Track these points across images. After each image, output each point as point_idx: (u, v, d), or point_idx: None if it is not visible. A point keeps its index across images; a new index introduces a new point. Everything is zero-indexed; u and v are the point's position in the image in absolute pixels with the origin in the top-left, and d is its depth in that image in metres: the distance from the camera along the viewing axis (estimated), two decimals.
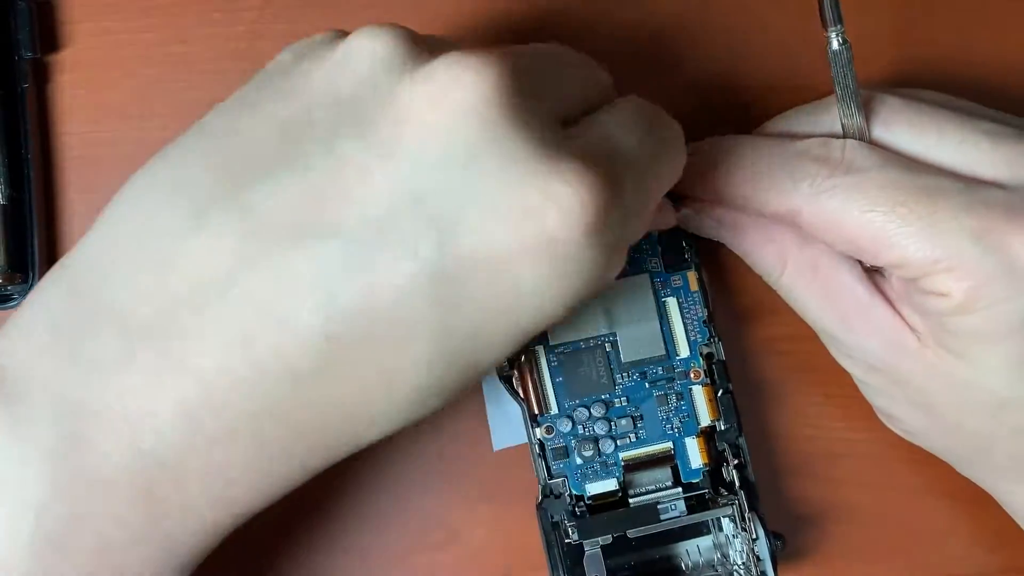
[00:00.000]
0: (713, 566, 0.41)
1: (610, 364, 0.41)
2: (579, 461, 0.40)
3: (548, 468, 0.40)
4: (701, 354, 0.41)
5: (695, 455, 0.41)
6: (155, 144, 0.44)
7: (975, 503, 0.43)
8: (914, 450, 0.43)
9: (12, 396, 0.31)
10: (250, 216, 0.30)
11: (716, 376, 0.41)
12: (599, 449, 0.40)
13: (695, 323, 0.41)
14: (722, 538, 0.41)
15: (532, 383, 0.41)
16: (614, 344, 0.41)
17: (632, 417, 0.41)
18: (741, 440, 0.41)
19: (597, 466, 0.40)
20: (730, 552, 0.40)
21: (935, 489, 0.44)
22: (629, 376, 0.41)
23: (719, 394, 0.41)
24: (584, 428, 0.41)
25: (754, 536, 0.39)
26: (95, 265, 0.32)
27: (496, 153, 0.29)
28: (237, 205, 0.30)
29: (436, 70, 0.30)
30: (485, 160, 0.29)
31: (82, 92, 0.45)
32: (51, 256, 0.44)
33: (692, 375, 0.41)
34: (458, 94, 0.29)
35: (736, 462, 0.40)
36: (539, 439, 0.40)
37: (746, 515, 0.39)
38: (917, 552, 0.44)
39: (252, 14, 0.45)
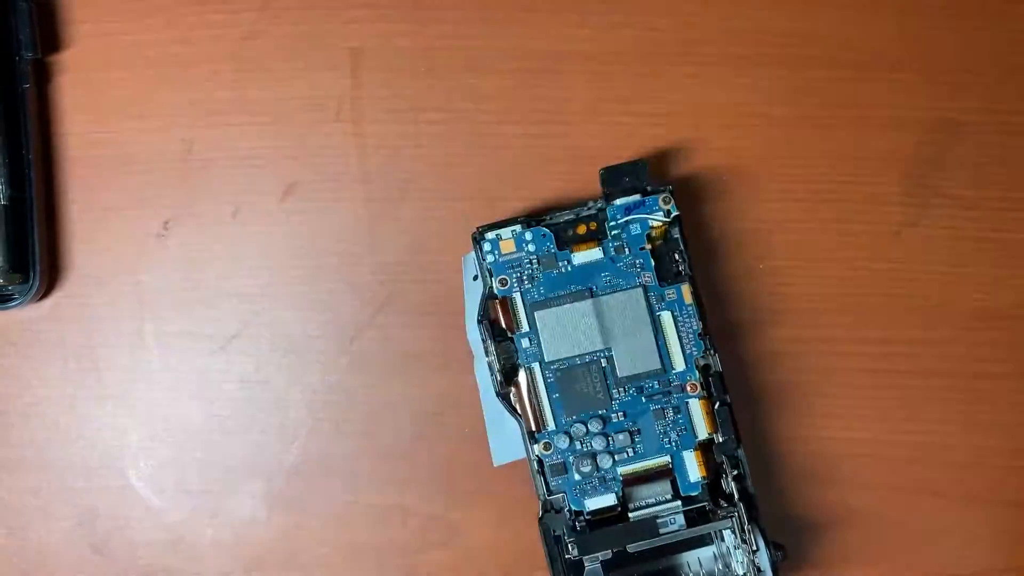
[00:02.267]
0: None
1: (606, 379, 0.41)
2: (577, 477, 0.40)
3: (547, 484, 0.40)
4: (697, 367, 0.41)
5: (693, 468, 0.40)
6: (154, 144, 0.45)
7: (974, 503, 0.43)
8: (914, 450, 0.43)
9: None
10: None
11: (713, 388, 0.41)
12: (597, 464, 0.40)
13: (690, 336, 0.41)
14: (724, 548, 0.41)
15: (529, 400, 0.41)
16: (610, 360, 0.41)
17: (629, 432, 0.40)
18: (739, 452, 0.40)
19: (596, 481, 0.40)
20: (732, 563, 0.40)
21: (935, 489, 0.44)
22: (625, 391, 0.41)
23: (716, 406, 0.41)
24: (582, 444, 0.40)
25: (754, 548, 0.39)
26: None
27: None
28: None
29: None
30: None
31: (83, 92, 0.45)
32: (52, 256, 0.45)
33: (688, 388, 0.41)
34: None
35: (735, 474, 0.40)
36: (537, 456, 0.40)
37: (746, 527, 0.39)
38: (917, 552, 0.44)
39: (252, 15, 0.45)
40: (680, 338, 0.41)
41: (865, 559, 0.44)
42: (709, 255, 0.44)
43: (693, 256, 0.42)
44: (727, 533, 0.40)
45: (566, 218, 0.42)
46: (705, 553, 0.41)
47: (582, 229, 0.41)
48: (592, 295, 0.41)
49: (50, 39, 0.44)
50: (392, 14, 0.44)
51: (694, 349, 0.41)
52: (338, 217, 0.45)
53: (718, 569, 0.41)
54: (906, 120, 0.45)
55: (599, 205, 0.42)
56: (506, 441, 0.42)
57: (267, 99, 0.45)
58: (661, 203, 0.41)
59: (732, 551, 0.40)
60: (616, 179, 0.42)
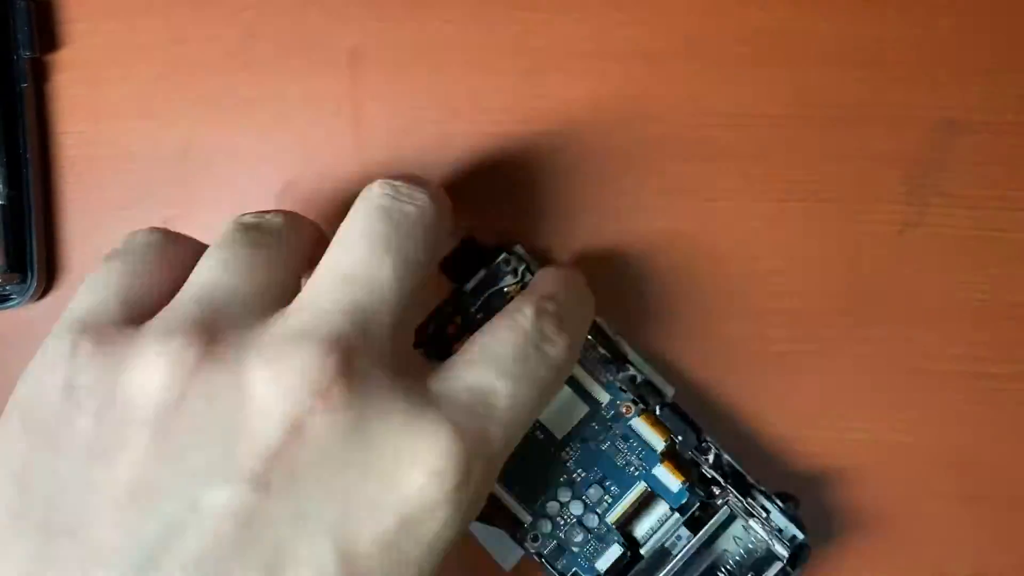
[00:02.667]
0: (752, 551, 0.41)
1: (550, 449, 0.41)
2: (575, 549, 0.40)
3: (555, 570, 0.40)
4: (621, 389, 0.41)
5: (670, 479, 0.40)
6: (153, 144, 0.45)
7: (975, 503, 0.43)
8: (914, 450, 0.43)
9: None
10: None
11: (648, 399, 0.41)
12: (586, 527, 0.40)
13: (595, 364, 0.41)
14: (738, 529, 0.41)
15: (495, 506, 0.40)
16: (543, 429, 0.41)
17: (597, 482, 0.40)
18: (705, 437, 0.40)
19: (594, 542, 0.40)
20: (753, 537, 0.40)
21: (935, 489, 0.43)
22: (572, 448, 0.41)
23: (658, 412, 0.40)
24: (563, 519, 0.40)
25: (765, 513, 0.39)
26: None
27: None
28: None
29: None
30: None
31: (81, 92, 0.45)
32: (49, 256, 0.45)
33: (624, 411, 0.41)
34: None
35: (711, 459, 0.40)
36: (533, 551, 0.40)
37: (745, 500, 0.39)
38: (918, 552, 0.43)
39: (251, 14, 0.44)
40: (589, 371, 0.41)
41: (866, 559, 0.43)
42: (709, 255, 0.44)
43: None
44: (735, 514, 0.40)
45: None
46: (727, 542, 0.41)
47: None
48: None
49: (48, 38, 0.45)
50: (392, 13, 0.44)
51: (607, 376, 0.41)
52: (338, 217, 0.45)
53: (747, 548, 0.41)
54: (906, 120, 0.44)
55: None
56: (504, 546, 0.42)
57: (267, 99, 0.45)
58: (504, 266, 0.41)
59: (748, 527, 0.40)
60: (459, 273, 0.42)
